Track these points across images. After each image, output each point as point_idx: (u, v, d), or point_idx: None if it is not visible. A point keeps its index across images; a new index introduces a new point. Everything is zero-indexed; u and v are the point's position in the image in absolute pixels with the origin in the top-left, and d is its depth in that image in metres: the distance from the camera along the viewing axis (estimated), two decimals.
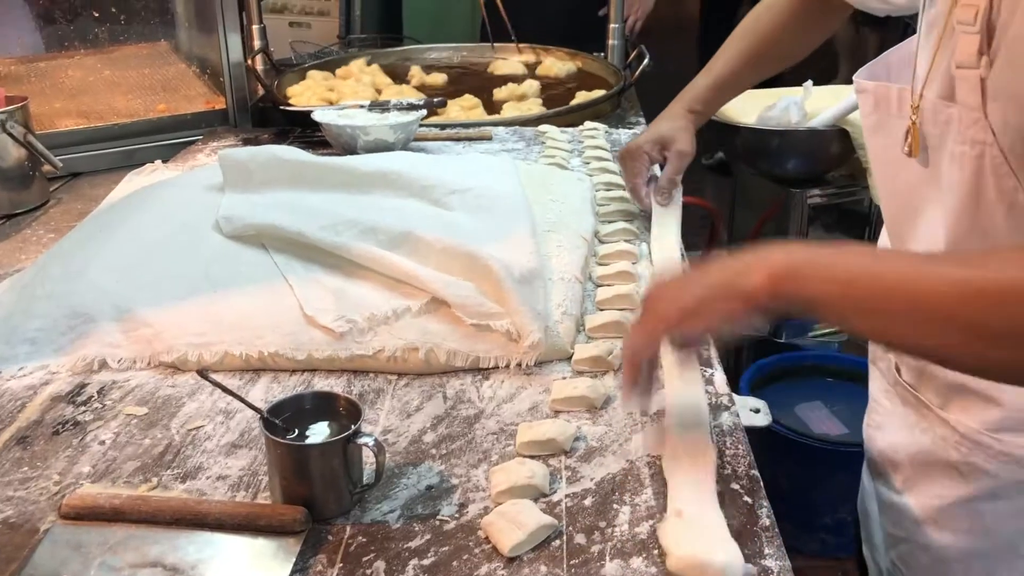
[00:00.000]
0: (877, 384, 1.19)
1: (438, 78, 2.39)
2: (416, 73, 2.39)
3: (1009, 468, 1.00)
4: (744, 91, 1.57)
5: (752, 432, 0.97)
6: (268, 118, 2.17)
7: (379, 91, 2.23)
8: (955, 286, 0.73)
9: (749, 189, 2.67)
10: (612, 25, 2.49)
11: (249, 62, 2.22)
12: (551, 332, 1.07)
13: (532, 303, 1.08)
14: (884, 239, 1.12)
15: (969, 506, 1.04)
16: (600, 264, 1.31)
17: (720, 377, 1.03)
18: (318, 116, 1.77)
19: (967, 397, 1.01)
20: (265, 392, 1.04)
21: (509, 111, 2.10)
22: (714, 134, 2.56)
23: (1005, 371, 0.77)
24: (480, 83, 2.38)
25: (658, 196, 1.46)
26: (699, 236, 3.08)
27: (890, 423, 1.15)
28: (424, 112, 1.81)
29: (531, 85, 2.23)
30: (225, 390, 0.84)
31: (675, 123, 1.47)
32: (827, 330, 2.49)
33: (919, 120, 0.91)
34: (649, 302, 0.87)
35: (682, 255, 1.35)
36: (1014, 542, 1.04)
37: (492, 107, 2.16)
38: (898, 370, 1.11)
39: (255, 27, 2.39)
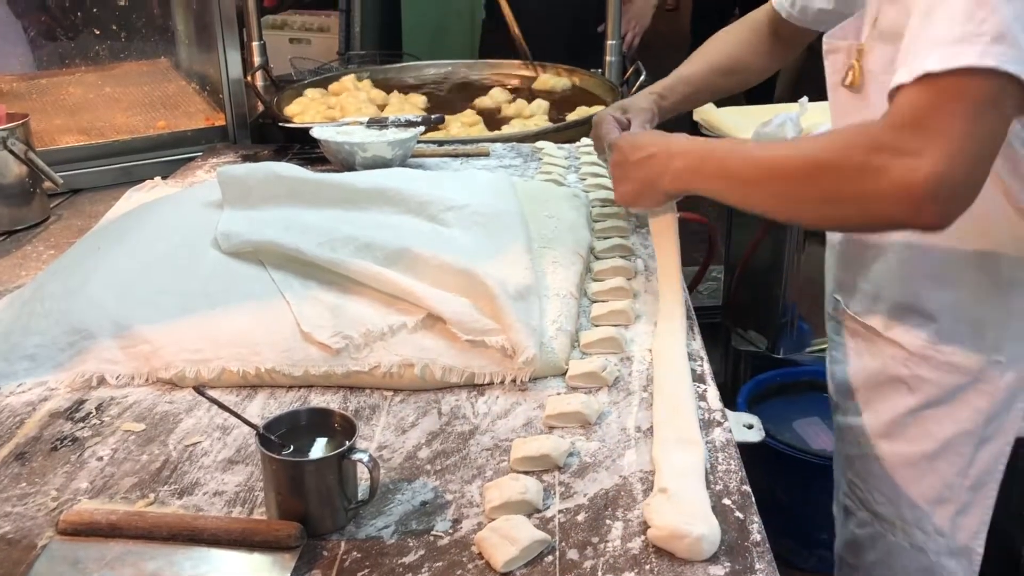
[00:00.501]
0: (829, 324, 1.40)
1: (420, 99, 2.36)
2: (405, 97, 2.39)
3: (949, 376, 1.20)
4: (706, 96, 1.73)
5: (750, 447, 0.99)
6: (267, 134, 2.19)
7: (381, 108, 2.24)
8: (764, 162, 1.07)
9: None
10: (609, 42, 2.52)
11: (249, 79, 2.24)
12: (546, 348, 1.08)
13: (527, 319, 1.09)
14: None
15: (916, 415, 1.24)
16: (595, 280, 1.32)
17: (713, 393, 1.04)
18: (317, 133, 1.79)
19: (908, 319, 1.22)
20: (262, 408, 1.04)
21: (516, 126, 2.12)
22: None
23: (817, 223, 1.25)
24: (471, 96, 2.40)
25: None
26: (697, 251, 3.09)
27: (843, 356, 1.35)
28: (422, 129, 1.82)
29: (539, 104, 2.25)
30: (222, 406, 0.85)
31: (637, 97, 1.63)
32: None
33: (861, 61, 1.17)
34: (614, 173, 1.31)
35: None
36: (952, 442, 1.22)
37: (497, 123, 2.18)
38: (846, 306, 1.32)
39: (255, 44, 2.41)
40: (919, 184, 0.91)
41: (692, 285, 2.90)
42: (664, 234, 1.30)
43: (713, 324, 2.75)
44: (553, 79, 2.49)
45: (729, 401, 2.49)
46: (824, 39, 1.28)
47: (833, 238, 1.39)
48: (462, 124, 2.13)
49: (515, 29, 2.59)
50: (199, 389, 0.84)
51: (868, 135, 0.98)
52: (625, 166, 1.27)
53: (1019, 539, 1.41)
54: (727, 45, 1.62)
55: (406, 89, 2.48)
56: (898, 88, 0.95)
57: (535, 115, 2.20)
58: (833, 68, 1.26)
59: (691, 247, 3.27)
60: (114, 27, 2.13)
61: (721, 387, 2.76)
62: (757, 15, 1.59)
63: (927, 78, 0.93)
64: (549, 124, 2.12)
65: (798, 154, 1.04)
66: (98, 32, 2.13)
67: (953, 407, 1.22)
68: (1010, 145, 1.07)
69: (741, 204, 1.12)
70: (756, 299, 2.53)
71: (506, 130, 2.10)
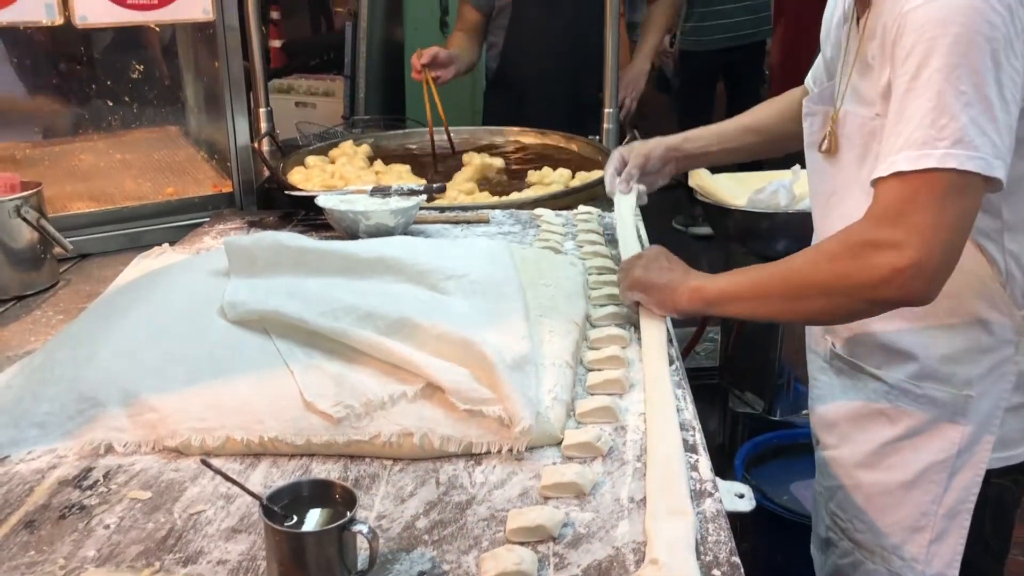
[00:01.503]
0: (814, 364, 1.52)
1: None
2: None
3: (926, 409, 1.33)
4: (728, 152, 1.83)
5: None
6: (273, 200, 2.24)
7: (378, 174, 2.30)
8: (771, 278, 1.27)
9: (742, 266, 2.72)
10: (606, 110, 2.58)
11: (256, 145, 2.30)
12: (542, 418, 1.11)
13: (523, 389, 1.12)
14: None
15: (895, 445, 1.36)
16: (591, 348, 1.35)
17: (705, 463, 1.07)
18: (321, 201, 1.84)
19: (891, 357, 1.35)
20: (265, 476, 1.07)
21: (537, 191, 2.18)
22: (706, 212, 2.63)
23: (809, 319, 1.41)
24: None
25: (621, 185, 1.78)
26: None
27: (827, 392, 1.47)
28: (423, 197, 1.87)
29: (561, 173, 2.29)
30: (226, 477, 0.88)
31: (643, 142, 1.83)
32: None
33: (835, 127, 1.33)
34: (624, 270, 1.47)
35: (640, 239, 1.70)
36: (927, 471, 1.34)
37: (499, 188, 2.24)
38: (833, 347, 1.44)
39: (262, 110, 2.47)
40: (903, 271, 1.10)
41: (689, 346, 2.94)
42: (653, 340, 1.37)
43: (710, 385, 2.77)
44: (481, 159, 2.46)
45: (727, 463, 2.52)
46: (804, 103, 1.44)
47: None
48: (459, 192, 2.18)
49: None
50: (205, 461, 0.87)
51: (851, 240, 1.17)
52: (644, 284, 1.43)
53: (992, 571, 1.47)
54: (760, 109, 1.77)
55: (407, 155, 2.54)
56: (878, 180, 1.13)
57: (555, 182, 2.25)
58: (810, 130, 1.42)
59: None
60: (126, 98, 2.20)
61: (719, 448, 2.78)
62: (796, 91, 1.70)
63: (899, 175, 1.11)
64: (556, 190, 2.17)
65: (797, 276, 1.24)
66: (111, 103, 2.19)
67: (929, 438, 1.34)
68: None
69: (763, 319, 1.35)
70: (752, 361, 2.56)
71: (515, 196, 2.15)
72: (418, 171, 2.35)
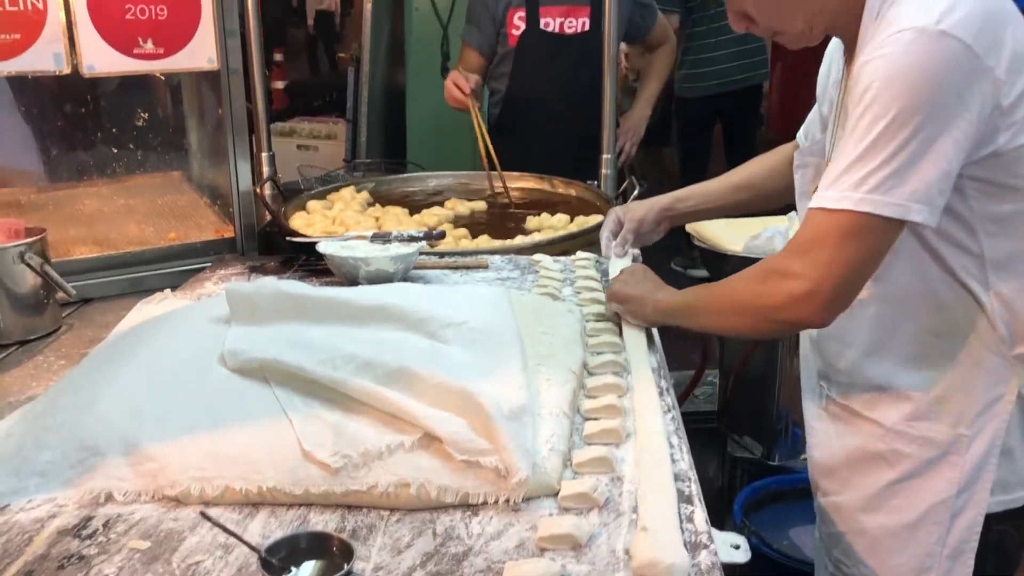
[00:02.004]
0: (810, 412, 1.56)
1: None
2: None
3: (923, 449, 1.36)
4: (720, 209, 1.89)
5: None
6: (275, 244, 2.26)
7: (378, 219, 2.32)
8: (709, 296, 1.44)
9: None
10: (604, 156, 2.62)
11: (258, 189, 2.33)
12: (538, 468, 1.12)
13: (520, 440, 1.13)
14: None
15: (895, 487, 1.39)
16: (588, 397, 1.36)
17: (700, 515, 1.07)
18: (322, 248, 1.86)
19: (884, 399, 1.39)
20: (263, 526, 1.08)
21: (536, 237, 2.21)
22: (703, 257, 2.65)
23: (735, 334, 1.68)
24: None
25: (617, 249, 1.88)
26: (695, 352, 3.14)
27: (824, 440, 1.50)
28: (423, 243, 1.89)
29: (560, 218, 2.32)
30: (224, 529, 0.89)
31: (641, 204, 1.90)
32: None
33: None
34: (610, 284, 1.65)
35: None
36: (930, 511, 1.36)
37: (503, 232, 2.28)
38: (828, 393, 1.48)
39: (264, 155, 2.50)
40: (797, 299, 1.25)
41: (687, 391, 2.95)
42: (637, 349, 1.48)
43: (709, 429, 2.78)
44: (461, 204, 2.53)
45: (726, 508, 2.51)
46: (795, 155, 1.51)
47: (808, 331, 1.53)
48: (454, 238, 2.21)
49: (486, 143, 2.71)
50: (204, 513, 0.88)
51: (766, 266, 1.33)
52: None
53: None
54: (751, 166, 1.83)
55: (407, 200, 2.57)
56: (807, 210, 1.27)
57: (555, 228, 2.27)
58: (802, 181, 1.49)
59: (687, 352, 3.32)
60: (131, 145, 2.23)
61: (718, 492, 2.77)
62: (787, 147, 1.77)
63: (822, 210, 1.24)
64: (554, 235, 2.19)
65: (724, 294, 1.41)
66: (115, 149, 2.22)
67: (928, 479, 1.37)
68: (952, 239, 1.29)
69: (706, 331, 1.47)
70: (751, 405, 2.57)
71: (514, 242, 2.18)
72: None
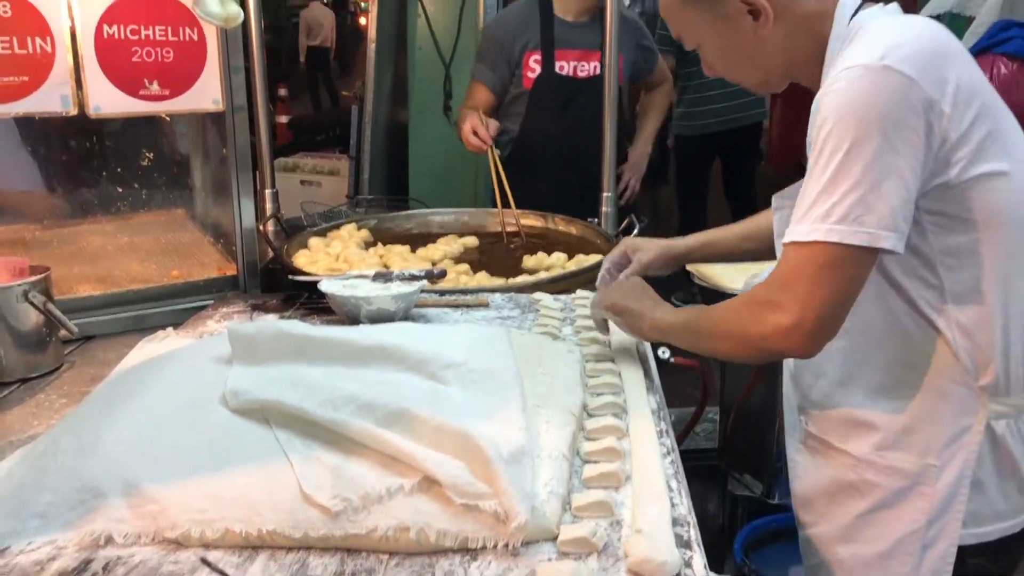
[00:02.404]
0: (791, 446, 1.59)
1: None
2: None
3: (891, 479, 1.40)
4: (726, 255, 1.93)
5: None
6: (277, 281, 2.28)
7: (381, 257, 2.34)
8: (699, 319, 1.47)
9: None
10: (605, 194, 2.64)
11: (261, 227, 2.35)
12: (537, 512, 1.12)
13: (520, 483, 1.14)
14: None
15: (867, 517, 1.43)
16: (588, 439, 1.37)
17: (699, 560, 1.07)
18: (324, 287, 1.87)
19: (854, 430, 1.43)
20: (263, 570, 1.07)
21: (539, 275, 2.23)
22: (704, 296, 2.66)
23: (723, 356, 1.55)
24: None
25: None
26: (695, 388, 3.14)
27: (803, 472, 1.54)
28: (424, 283, 1.90)
29: (558, 257, 2.34)
30: (223, 574, 0.89)
31: (651, 245, 1.89)
32: None
33: None
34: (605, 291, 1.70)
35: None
36: (901, 541, 1.40)
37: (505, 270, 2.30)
38: (806, 426, 1.52)
39: (267, 192, 2.52)
40: (783, 330, 1.29)
41: (688, 428, 2.94)
42: (636, 391, 1.52)
43: (710, 467, 2.77)
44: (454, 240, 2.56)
45: (726, 546, 2.49)
46: (773, 199, 1.54)
47: (787, 365, 1.58)
48: (456, 273, 2.23)
49: (502, 183, 2.74)
50: (204, 559, 0.88)
51: (753, 296, 1.36)
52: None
53: None
54: (759, 218, 1.85)
55: (409, 236, 2.59)
56: (784, 245, 1.31)
57: (554, 266, 2.29)
58: (780, 222, 1.52)
59: (687, 389, 3.31)
60: (136, 184, 2.25)
61: (719, 530, 2.75)
62: None
63: (795, 244, 1.28)
64: (555, 274, 2.21)
65: (713, 319, 1.44)
66: (120, 188, 2.25)
67: (899, 509, 1.40)
68: (913, 272, 1.34)
69: (697, 352, 1.52)
70: (751, 443, 2.56)
71: (515, 280, 2.19)
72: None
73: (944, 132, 1.26)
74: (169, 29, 1.96)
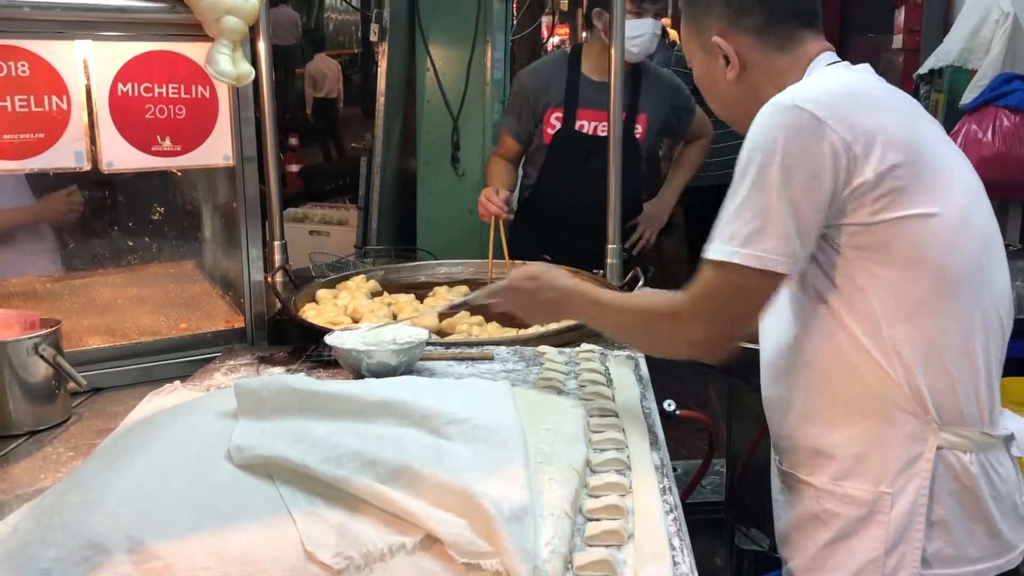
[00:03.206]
0: (775, 487, 1.64)
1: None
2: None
3: (849, 508, 1.43)
4: None
5: None
6: (284, 333, 2.29)
7: (390, 305, 2.36)
8: (628, 313, 1.61)
9: (747, 403, 2.74)
10: (610, 246, 2.66)
11: (269, 279, 2.37)
12: (539, 572, 1.12)
13: (521, 542, 1.14)
14: None
15: (831, 547, 1.46)
16: (591, 496, 1.37)
17: None
18: (329, 339, 1.89)
19: (816, 461, 1.47)
20: None
21: (542, 328, 2.20)
22: None
23: (645, 349, 1.81)
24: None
25: None
26: (701, 439, 3.13)
27: (783, 510, 1.58)
28: (426, 336, 1.92)
29: None
30: None
31: None
32: None
33: None
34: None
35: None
36: (862, 570, 1.42)
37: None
38: (780, 464, 1.58)
39: (276, 243, 2.55)
40: (687, 338, 1.47)
41: (695, 481, 2.93)
42: (640, 447, 1.53)
43: (717, 520, 2.76)
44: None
45: None
46: None
47: (767, 402, 1.62)
48: (469, 324, 2.24)
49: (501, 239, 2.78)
50: None
51: (671, 303, 1.49)
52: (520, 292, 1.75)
53: None
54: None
55: (417, 287, 2.61)
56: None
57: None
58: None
59: (695, 440, 3.31)
60: (146, 237, 2.29)
61: None
62: None
63: (703, 261, 1.41)
64: (559, 327, 2.22)
65: (639, 320, 1.58)
66: (131, 241, 2.28)
67: (858, 538, 1.43)
68: (850, 310, 1.41)
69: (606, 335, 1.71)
70: (757, 497, 2.54)
71: (523, 332, 2.21)
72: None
73: (855, 173, 1.34)
74: (182, 87, 2.00)
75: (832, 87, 1.41)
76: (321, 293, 2.49)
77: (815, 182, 1.34)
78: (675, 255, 5.65)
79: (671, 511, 1.32)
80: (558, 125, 3.03)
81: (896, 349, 1.38)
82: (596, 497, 1.36)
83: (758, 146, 1.36)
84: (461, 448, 1.37)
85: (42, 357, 1.73)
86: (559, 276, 1.72)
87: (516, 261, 2.75)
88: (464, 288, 2.58)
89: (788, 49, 1.51)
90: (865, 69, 1.51)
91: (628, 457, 1.49)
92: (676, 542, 1.24)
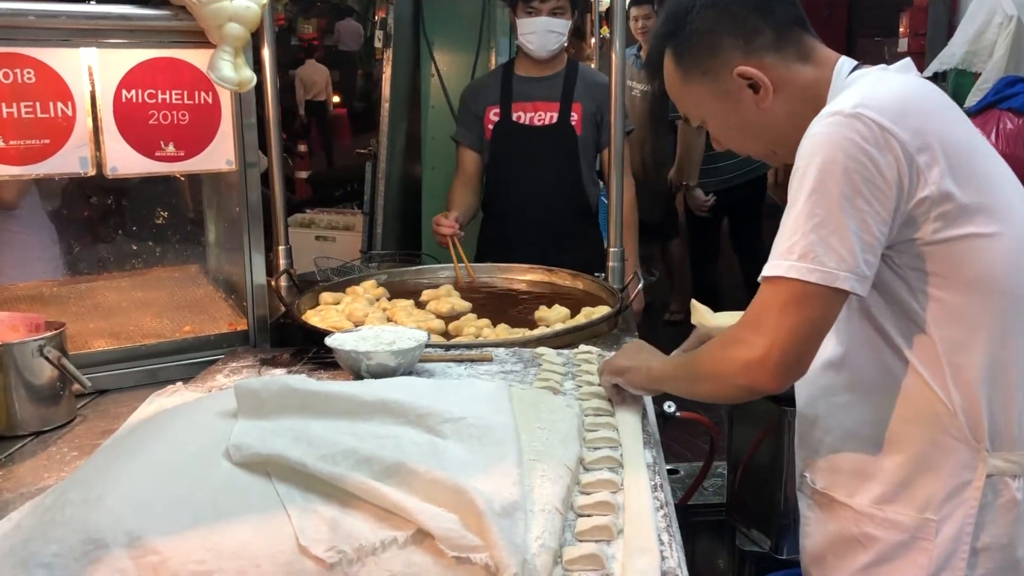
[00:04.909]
0: (803, 503, 1.59)
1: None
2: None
3: (892, 533, 1.40)
4: None
5: None
6: (287, 336, 2.32)
7: (385, 311, 2.38)
8: (684, 363, 1.57)
9: (748, 406, 2.75)
10: (611, 249, 2.68)
11: (273, 282, 2.40)
12: (528, 565, 1.14)
13: (511, 536, 1.16)
14: None
15: (870, 571, 1.43)
16: (582, 493, 1.39)
17: None
18: (329, 341, 1.91)
19: (858, 483, 1.44)
20: None
21: (542, 329, 2.27)
22: None
23: (708, 399, 1.52)
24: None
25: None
26: (703, 440, 3.15)
27: (815, 529, 1.54)
28: (426, 339, 1.94)
29: (558, 311, 2.37)
30: None
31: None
32: None
33: None
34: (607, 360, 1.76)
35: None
36: None
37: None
38: (812, 482, 1.53)
39: (280, 248, 2.58)
40: (750, 365, 1.33)
41: (696, 483, 2.94)
42: (633, 445, 1.52)
43: (719, 522, 2.76)
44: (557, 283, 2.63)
45: None
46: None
47: (796, 425, 1.59)
48: (476, 327, 2.26)
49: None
50: None
51: (728, 334, 1.40)
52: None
53: None
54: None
55: (419, 292, 2.64)
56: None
57: (554, 322, 2.32)
58: None
59: (698, 442, 3.32)
60: (151, 241, 2.32)
61: None
62: None
63: (764, 280, 1.33)
64: (558, 328, 2.24)
65: (696, 362, 1.49)
66: (135, 245, 2.31)
67: (900, 563, 1.41)
68: (905, 330, 1.37)
69: (687, 397, 1.54)
70: (758, 498, 2.55)
71: (522, 334, 2.24)
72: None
73: (919, 186, 1.29)
74: (185, 93, 2.03)
75: (896, 94, 1.33)
76: (324, 297, 2.51)
77: (880, 195, 1.27)
78: (679, 261, 5.68)
79: (661, 507, 1.34)
80: (496, 120, 3.15)
81: (954, 376, 1.35)
82: (588, 494, 1.37)
83: (818, 156, 1.28)
84: (456, 446, 1.39)
85: (47, 359, 1.76)
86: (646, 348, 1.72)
87: (515, 264, 2.84)
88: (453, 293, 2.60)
89: (808, 58, 1.47)
90: (907, 66, 1.45)
91: (621, 455, 1.51)
92: (665, 537, 1.26)
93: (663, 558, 1.20)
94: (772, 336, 1.30)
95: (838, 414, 1.47)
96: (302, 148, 8.74)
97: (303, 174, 8.19)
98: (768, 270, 1.32)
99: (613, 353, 1.81)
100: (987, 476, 1.37)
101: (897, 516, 1.40)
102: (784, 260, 1.30)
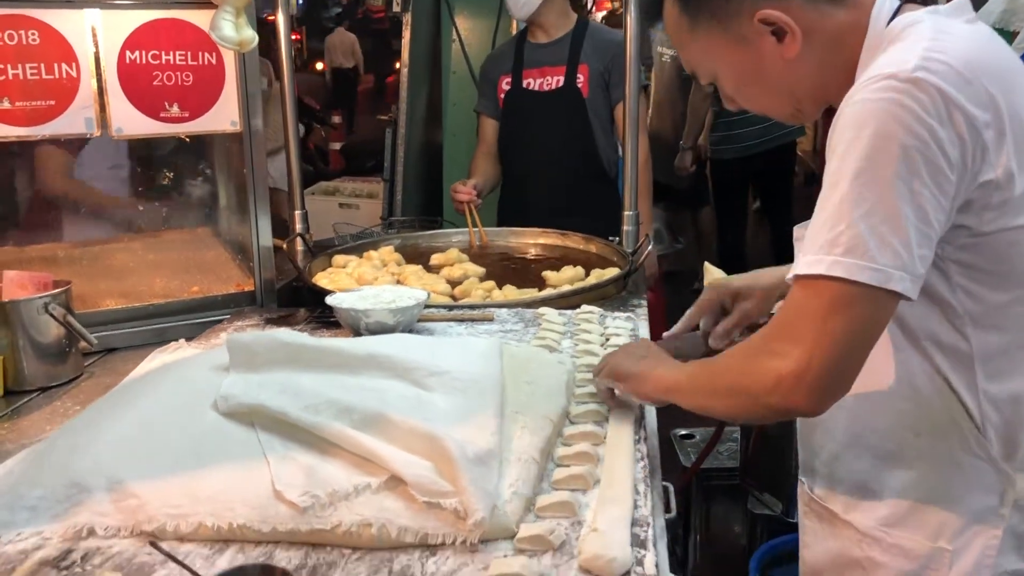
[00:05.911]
0: (801, 509, 1.42)
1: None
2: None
3: (898, 560, 1.24)
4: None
5: None
6: (300, 298, 2.35)
7: (394, 275, 2.39)
8: (701, 374, 1.28)
9: None
10: (626, 212, 2.66)
11: (284, 245, 2.42)
12: (498, 511, 1.15)
13: (482, 483, 1.16)
14: None
15: None
16: (564, 444, 1.39)
17: (650, 559, 1.08)
18: (330, 300, 1.93)
19: (861, 500, 1.28)
20: (230, 562, 1.12)
21: (547, 291, 2.26)
22: None
23: (725, 416, 1.47)
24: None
25: (715, 341, 1.60)
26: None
27: (813, 541, 1.38)
28: (425, 297, 1.94)
29: (565, 272, 2.37)
30: (172, 558, 0.94)
31: (743, 281, 1.63)
32: None
33: None
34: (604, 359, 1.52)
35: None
36: None
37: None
38: (810, 490, 1.38)
39: (297, 212, 2.60)
40: (784, 381, 1.09)
41: (707, 448, 2.92)
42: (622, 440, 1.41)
43: (733, 486, 2.75)
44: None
45: (743, 565, 2.47)
46: (795, 228, 1.31)
47: (798, 424, 1.45)
48: (484, 290, 2.27)
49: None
50: (154, 543, 0.93)
51: (753, 344, 1.18)
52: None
53: None
54: None
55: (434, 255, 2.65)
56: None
57: (561, 283, 2.32)
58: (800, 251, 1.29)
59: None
60: (162, 203, 2.35)
61: (740, 550, 2.72)
62: None
63: (798, 279, 1.10)
64: (562, 289, 2.24)
65: (714, 374, 1.25)
66: (148, 206, 2.34)
67: None
68: (934, 328, 1.18)
69: (700, 412, 1.29)
70: (770, 462, 2.54)
71: (527, 294, 2.24)
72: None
73: (984, 166, 1.08)
74: (188, 54, 2.05)
75: (961, 53, 1.08)
76: (338, 259, 2.53)
77: (942, 178, 1.05)
78: (709, 226, 5.62)
79: (641, 459, 1.34)
80: (508, 88, 3.18)
81: (987, 385, 1.17)
82: (568, 445, 1.37)
83: (868, 130, 1.05)
84: (440, 399, 1.40)
85: (52, 316, 1.79)
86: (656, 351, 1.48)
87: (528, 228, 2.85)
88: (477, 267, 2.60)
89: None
90: (963, 6, 1.19)
91: (608, 410, 1.50)
92: (642, 488, 1.26)
93: (636, 507, 1.20)
94: (811, 347, 1.07)
95: (843, 418, 1.28)
96: (336, 119, 8.76)
97: (336, 145, 8.22)
98: (804, 267, 1.08)
99: (611, 351, 1.59)
100: (1014, 502, 1.20)
101: (905, 542, 1.23)
102: (826, 255, 1.06)
